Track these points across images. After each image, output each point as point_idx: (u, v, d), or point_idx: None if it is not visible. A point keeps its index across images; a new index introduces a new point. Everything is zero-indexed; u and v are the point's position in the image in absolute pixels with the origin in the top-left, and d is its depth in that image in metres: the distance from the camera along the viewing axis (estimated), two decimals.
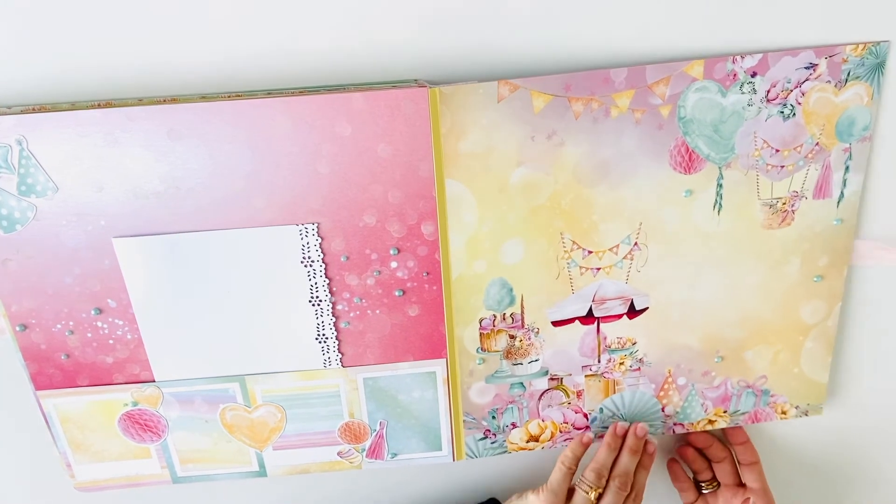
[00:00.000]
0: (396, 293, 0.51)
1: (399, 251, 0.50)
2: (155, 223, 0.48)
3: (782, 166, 0.50)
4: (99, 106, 0.45)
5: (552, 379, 0.57)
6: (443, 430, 0.57)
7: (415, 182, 0.47)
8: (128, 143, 0.45)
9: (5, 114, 0.44)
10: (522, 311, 0.53)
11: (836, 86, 0.48)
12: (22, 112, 0.45)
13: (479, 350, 0.54)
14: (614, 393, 0.58)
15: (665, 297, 0.54)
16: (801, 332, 0.57)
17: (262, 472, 0.58)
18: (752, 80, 0.47)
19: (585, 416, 0.59)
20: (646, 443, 0.58)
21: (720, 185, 0.50)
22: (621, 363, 0.57)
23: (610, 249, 0.52)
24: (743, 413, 0.60)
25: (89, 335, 0.51)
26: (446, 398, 0.56)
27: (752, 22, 0.47)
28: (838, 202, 0.52)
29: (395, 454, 0.58)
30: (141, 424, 0.55)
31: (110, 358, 0.52)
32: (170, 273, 0.49)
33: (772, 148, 0.50)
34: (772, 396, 0.59)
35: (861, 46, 0.47)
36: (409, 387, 0.55)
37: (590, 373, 0.57)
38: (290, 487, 0.64)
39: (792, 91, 0.48)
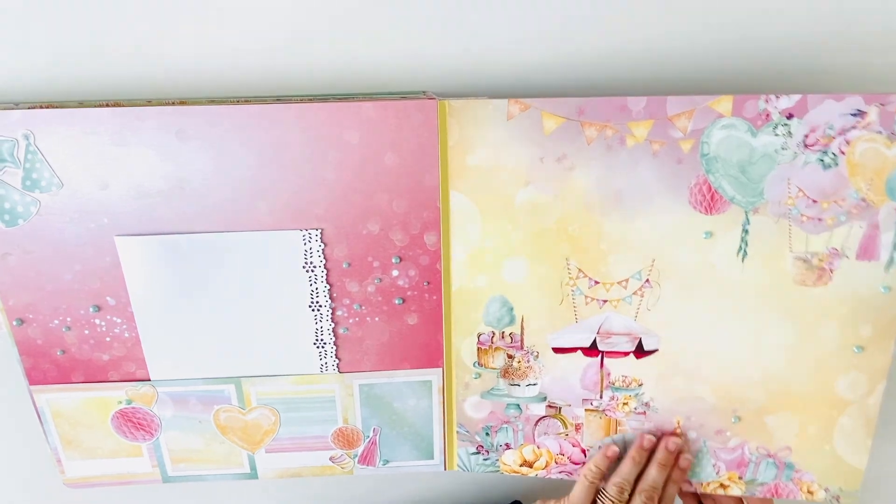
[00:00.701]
0: (396, 301, 0.51)
1: (401, 260, 0.50)
2: (158, 223, 0.48)
3: (820, 219, 0.46)
4: (107, 105, 0.45)
5: (550, 406, 0.55)
6: (435, 440, 0.57)
7: (420, 192, 0.48)
8: (136, 142, 0.45)
9: (13, 109, 0.44)
10: (522, 332, 0.52)
11: (888, 137, 0.44)
12: (30, 108, 0.45)
13: (476, 364, 0.54)
14: (615, 433, 0.55)
15: (677, 342, 0.51)
16: (836, 406, 0.51)
17: (253, 475, 0.58)
18: (788, 122, 0.44)
19: (583, 451, 0.56)
20: (677, 456, 0.54)
21: (746, 231, 0.47)
22: (625, 403, 0.54)
23: (619, 283, 0.50)
24: (761, 483, 0.55)
25: (86, 332, 0.51)
26: (441, 408, 0.56)
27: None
28: (887, 267, 0.47)
29: (387, 461, 0.58)
30: (134, 423, 0.55)
31: (106, 355, 0.52)
32: (170, 273, 0.49)
33: (808, 198, 0.45)
34: (796, 472, 0.54)
35: None
36: (404, 394, 0.55)
37: (591, 407, 0.54)
38: (281, 490, 0.64)
39: (835, 138, 0.44)
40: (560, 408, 0.55)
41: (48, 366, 0.52)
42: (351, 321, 0.52)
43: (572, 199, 0.48)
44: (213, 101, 0.46)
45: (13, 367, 0.53)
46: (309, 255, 0.49)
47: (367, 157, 0.46)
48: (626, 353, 0.52)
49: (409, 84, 0.48)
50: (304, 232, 0.49)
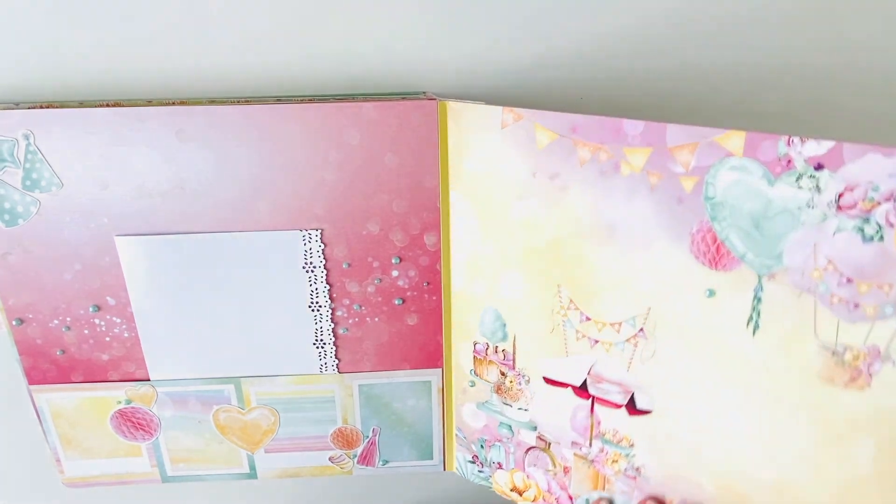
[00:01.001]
0: (396, 301, 0.51)
1: (401, 260, 0.50)
2: (158, 223, 0.48)
3: (857, 304, 0.35)
4: (108, 105, 0.45)
5: (540, 438, 0.51)
6: (435, 440, 0.57)
7: (420, 193, 0.48)
8: (136, 142, 0.45)
9: (13, 109, 0.45)
10: (514, 352, 0.49)
11: None
12: (30, 108, 0.45)
13: (472, 373, 0.53)
14: (603, 489, 0.49)
15: (674, 409, 0.44)
16: None
17: (252, 475, 0.58)
18: (816, 174, 0.34)
19: (570, 497, 0.51)
20: None
21: (758, 299, 0.38)
22: (615, 461, 0.48)
23: (611, 324, 0.44)
24: None
25: (86, 332, 0.51)
26: (440, 408, 0.56)
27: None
28: None
29: (387, 461, 0.58)
30: (133, 423, 0.55)
31: (106, 355, 0.52)
32: (170, 273, 0.49)
33: (841, 274, 0.35)
34: None
35: None
36: (403, 395, 0.55)
37: (579, 453, 0.49)
38: (280, 491, 0.64)
39: (880, 204, 0.33)
40: (549, 443, 0.51)
41: (48, 365, 0.52)
42: (351, 321, 0.52)
43: (565, 223, 0.43)
44: (213, 102, 0.46)
45: (12, 367, 0.53)
46: (309, 256, 0.49)
47: (368, 157, 0.47)
48: (618, 406, 0.46)
49: (410, 85, 0.48)
50: (304, 232, 0.49)
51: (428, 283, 0.51)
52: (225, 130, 0.45)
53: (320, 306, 0.51)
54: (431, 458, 0.58)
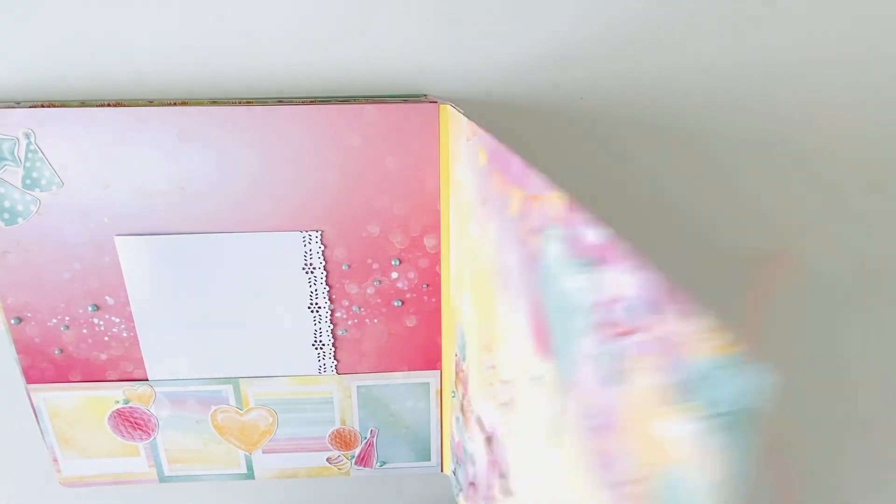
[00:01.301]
0: (395, 303, 0.51)
1: (401, 262, 0.50)
2: (159, 223, 0.48)
3: (610, 462, 0.23)
4: (109, 105, 0.45)
5: (476, 477, 0.46)
6: (433, 441, 0.57)
7: (420, 195, 0.48)
8: (137, 142, 0.45)
9: (14, 107, 0.44)
10: (468, 378, 0.45)
11: (680, 393, 0.18)
12: (31, 107, 0.45)
13: (454, 383, 0.52)
14: None
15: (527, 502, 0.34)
16: None
17: (249, 475, 0.58)
18: (591, 270, 0.23)
19: None
20: None
21: (562, 409, 0.27)
22: None
23: (501, 381, 0.35)
24: None
25: (85, 331, 0.51)
26: (438, 410, 0.56)
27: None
28: None
29: (384, 462, 0.58)
30: (131, 422, 0.55)
31: (104, 355, 0.52)
32: (170, 273, 0.49)
33: (597, 421, 0.24)
34: None
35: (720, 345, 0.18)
36: (402, 396, 0.55)
37: None
38: (277, 491, 0.64)
39: (633, 334, 0.20)
40: (477, 486, 0.45)
41: (46, 364, 0.52)
42: (350, 323, 0.52)
43: (488, 255, 0.36)
44: (214, 102, 0.46)
45: (10, 366, 0.53)
46: (309, 257, 0.49)
47: (368, 159, 0.47)
48: (501, 476, 0.37)
49: (411, 87, 0.48)
50: (305, 233, 0.49)
51: (427, 286, 0.51)
52: (226, 131, 0.45)
53: (320, 307, 0.51)
54: (429, 460, 0.58)
